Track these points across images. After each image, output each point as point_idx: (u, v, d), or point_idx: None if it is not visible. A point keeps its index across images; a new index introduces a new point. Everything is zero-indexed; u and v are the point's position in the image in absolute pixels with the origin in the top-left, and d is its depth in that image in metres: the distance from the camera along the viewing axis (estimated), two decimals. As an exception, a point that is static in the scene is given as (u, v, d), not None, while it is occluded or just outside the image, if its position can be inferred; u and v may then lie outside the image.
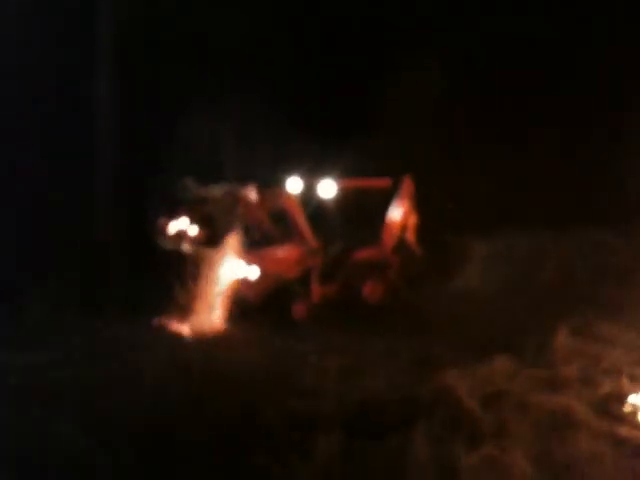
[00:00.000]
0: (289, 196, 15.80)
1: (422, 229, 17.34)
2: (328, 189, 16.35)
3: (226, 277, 14.70)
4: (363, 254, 16.62)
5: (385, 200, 17.09)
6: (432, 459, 8.40)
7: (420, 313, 14.68)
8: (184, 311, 14.31)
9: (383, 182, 17.20)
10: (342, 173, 16.45)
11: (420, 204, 17.34)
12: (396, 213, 17.08)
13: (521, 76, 19.60)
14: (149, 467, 8.46)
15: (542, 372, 11.04)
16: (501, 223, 16.78)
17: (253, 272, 15.07)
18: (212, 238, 14.66)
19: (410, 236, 17.30)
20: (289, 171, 16.11)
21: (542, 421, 9.49)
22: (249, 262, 15.00)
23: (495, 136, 19.01)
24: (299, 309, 15.42)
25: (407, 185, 17.25)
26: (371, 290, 16.31)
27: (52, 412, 9.59)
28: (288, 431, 9.11)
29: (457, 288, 16.08)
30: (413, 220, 17.37)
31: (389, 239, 17.00)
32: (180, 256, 14.56)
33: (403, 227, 17.19)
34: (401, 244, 17.13)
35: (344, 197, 16.53)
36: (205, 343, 13.19)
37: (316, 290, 15.84)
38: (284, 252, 15.67)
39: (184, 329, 14.05)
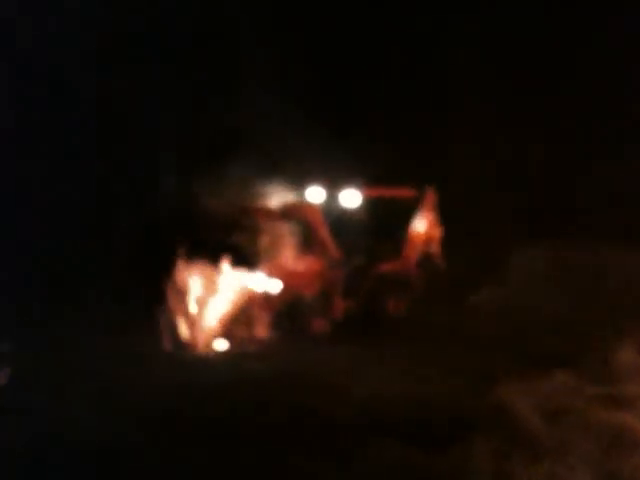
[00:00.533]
0: (312, 206, 14.92)
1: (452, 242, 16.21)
2: (352, 198, 15.36)
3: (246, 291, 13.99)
4: (387, 267, 15.59)
5: (407, 211, 15.95)
6: (492, 473, 8.04)
7: (474, 327, 13.84)
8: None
9: (406, 192, 16.04)
10: (364, 182, 15.51)
11: (449, 217, 16.19)
12: (420, 225, 15.99)
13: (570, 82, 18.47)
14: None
15: (605, 389, 10.38)
16: (563, 236, 15.99)
17: (275, 286, 14.21)
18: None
19: (435, 250, 16.10)
20: (309, 180, 15.19)
21: (605, 438, 8.89)
22: (270, 275, 14.18)
23: (551, 148, 17.72)
24: (320, 323, 14.41)
25: (430, 197, 16.07)
26: (395, 304, 15.25)
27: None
28: (341, 438, 8.77)
29: (517, 302, 14.94)
30: (437, 233, 16.18)
31: (413, 252, 15.89)
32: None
33: (427, 240, 16.04)
34: (425, 258, 16.00)
35: (366, 207, 15.57)
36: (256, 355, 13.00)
37: (338, 304, 14.80)
38: (305, 264, 14.74)
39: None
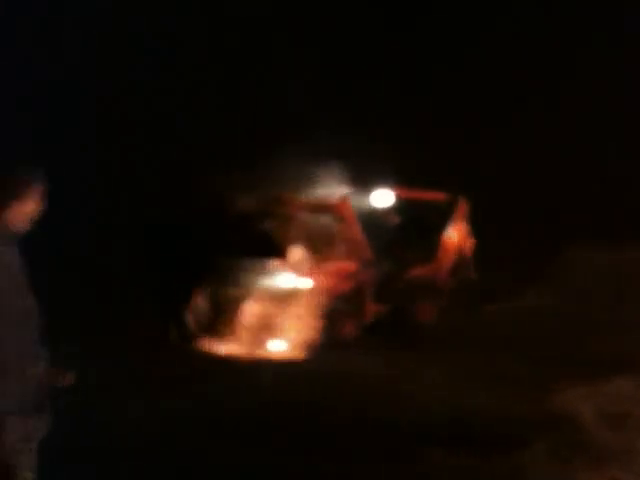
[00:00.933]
0: (345, 202, 14.36)
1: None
2: (384, 198, 15.05)
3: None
4: (418, 272, 15.24)
5: (440, 216, 15.83)
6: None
7: (526, 330, 13.69)
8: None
9: (438, 195, 15.90)
10: (397, 183, 15.25)
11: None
12: (453, 234, 15.76)
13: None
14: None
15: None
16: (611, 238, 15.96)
17: (306, 284, 13.65)
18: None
19: (466, 260, 15.96)
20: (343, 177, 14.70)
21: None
22: (300, 274, 13.66)
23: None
24: (350, 327, 13.90)
25: (462, 205, 15.96)
26: (426, 311, 14.94)
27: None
28: (394, 444, 8.46)
29: (569, 305, 14.99)
30: (469, 243, 16.03)
31: (445, 260, 15.65)
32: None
33: (459, 250, 15.85)
34: (458, 267, 15.80)
35: (398, 208, 15.29)
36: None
37: (369, 307, 14.33)
38: (335, 264, 14.21)
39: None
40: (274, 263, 13.55)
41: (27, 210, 4.44)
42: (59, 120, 18.07)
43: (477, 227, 16.11)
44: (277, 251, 13.57)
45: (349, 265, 14.27)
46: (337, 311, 13.66)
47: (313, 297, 13.49)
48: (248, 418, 9.12)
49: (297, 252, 13.50)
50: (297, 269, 13.59)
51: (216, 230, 13.87)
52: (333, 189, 14.30)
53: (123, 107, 18.27)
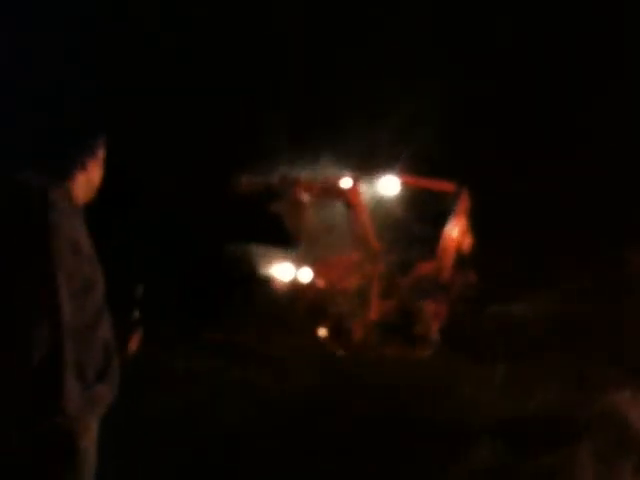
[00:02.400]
0: (355, 187, 12.90)
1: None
2: (390, 186, 13.53)
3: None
4: (425, 268, 13.81)
5: (445, 209, 14.32)
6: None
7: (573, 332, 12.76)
8: None
9: (447, 186, 14.31)
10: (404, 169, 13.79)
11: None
12: (454, 229, 14.22)
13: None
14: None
15: None
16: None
17: (305, 275, 12.46)
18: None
19: (464, 258, 14.42)
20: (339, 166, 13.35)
21: None
22: (299, 265, 12.43)
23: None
24: (356, 327, 12.54)
25: (464, 199, 14.40)
26: (436, 310, 13.48)
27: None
28: (443, 441, 8.35)
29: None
30: (468, 241, 14.48)
31: (447, 257, 14.12)
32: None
33: (458, 247, 14.34)
34: (457, 265, 14.32)
35: (404, 197, 13.84)
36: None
37: (376, 304, 12.91)
38: (340, 256, 13.01)
39: None
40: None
41: (92, 179, 4.21)
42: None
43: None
44: (287, 236, 12.36)
45: (355, 256, 12.98)
46: (342, 305, 12.53)
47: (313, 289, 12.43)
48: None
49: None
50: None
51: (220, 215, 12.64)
52: (343, 173, 13.00)
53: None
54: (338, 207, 12.95)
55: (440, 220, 14.08)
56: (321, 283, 12.48)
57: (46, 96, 18.72)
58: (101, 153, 4.28)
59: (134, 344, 4.37)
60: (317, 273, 12.43)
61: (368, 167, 13.41)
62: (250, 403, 9.51)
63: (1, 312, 3.89)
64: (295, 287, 12.34)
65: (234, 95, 19.15)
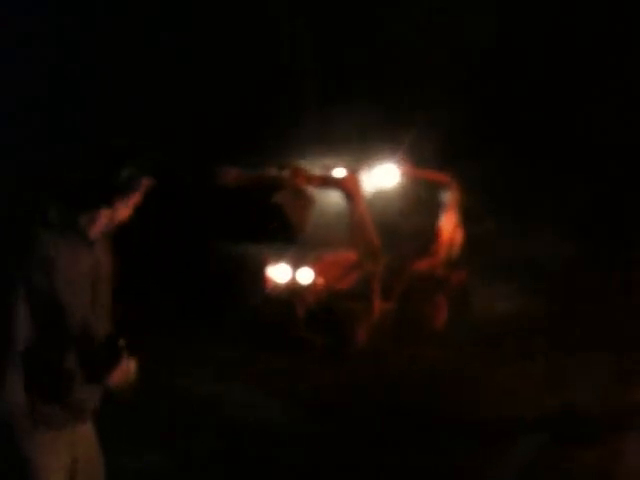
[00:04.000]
0: (353, 177, 12.37)
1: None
2: (389, 176, 13.00)
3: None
4: (423, 265, 13.29)
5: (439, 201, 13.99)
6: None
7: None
8: None
9: (442, 177, 14.01)
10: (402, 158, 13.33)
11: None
12: (446, 223, 13.86)
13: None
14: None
15: None
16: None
17: (306, 276, 11.82)
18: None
19: (455, 256, 14.07)
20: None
21: None
22: (296, 265, 11.80)
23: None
24: (358, 331, 11.88)
25: (455, 191, 14.05)
26: (438, 308, 13.08)
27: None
28: (487, 434, 8.50)
29: None
30: (459, 237, 14.13)
31: (442, 252, 13.75)
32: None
33: (450, 243, 13.94)
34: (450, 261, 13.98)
35: (401, 189, 13.30)
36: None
37: (377, 305, 12.29)
38: (338, 252, 12.37)
39: None
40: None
41: (115, 217, 4.12)
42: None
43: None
44: (288, 229, 11.81)
45: (353, 254, 12.32)
46: (344, 308, 11.91)
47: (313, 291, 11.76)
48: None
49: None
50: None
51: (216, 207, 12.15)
52: (342, 161, 12.67)
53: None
54: (335, 198, 12.50)
55: (428, 212, 13.78)
56: (321, 284, 11.88)
57: (46, 96, 18.86)
58: (136, 195, 4.12)
59: (118, 375, 4.22)
60: (316, 272, 11.85)
61: (365, 156, 13.15)
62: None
63: None
64: (294, 289, 11.75)
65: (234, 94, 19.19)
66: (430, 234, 13.66)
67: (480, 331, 12.41)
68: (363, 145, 13.81)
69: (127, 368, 4.25)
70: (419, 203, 13.61)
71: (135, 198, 4.12)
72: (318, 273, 11.83)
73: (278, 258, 11.84)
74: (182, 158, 15.54)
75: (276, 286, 11.72)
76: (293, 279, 11.74)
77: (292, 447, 8.07)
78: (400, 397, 9.75)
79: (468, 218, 14.22)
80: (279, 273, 11.78)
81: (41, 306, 3.90)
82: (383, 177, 13.03)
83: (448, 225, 13.85)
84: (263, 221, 11.89)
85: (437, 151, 15.10)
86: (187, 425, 8.54)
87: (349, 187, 12.32)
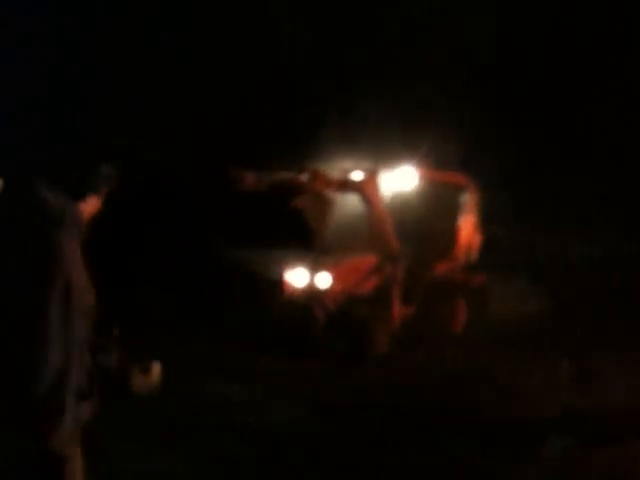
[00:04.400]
0: (371, 181, 12.06)
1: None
2: (407, 178, 12.69)
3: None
4: (442, 268, 13.08)
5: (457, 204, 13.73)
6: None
7: None
8: None
9: (460, 179, 13.78)
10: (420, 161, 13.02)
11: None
12: (466, 226, 13.62)
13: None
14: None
15: None
16: None
17: (324, 280, 11.51)
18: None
19: (473, 260, 13.89)
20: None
21: None
22: (315, 269, 11.46)
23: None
24: (378, 337, 11.59)
25: (473, 193, 13.80)
26: (457, 311, 12.87)
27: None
28: (513, 439, 8.20)
29: None
30: (478, 240, 13.95)
31: (461, 255, 13.54)
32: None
33: (469, 246, 13.77)
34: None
35: (419, 191, 12.97)
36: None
37: (397, 310, 12.04)
38: (356, 257, 12.04)
39: None
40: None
41: (97, 204, 4.30)
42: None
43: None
44: (308, 234, 11.52)
45: (372, 257, 12.00)
46: (363, 314, 11.64)
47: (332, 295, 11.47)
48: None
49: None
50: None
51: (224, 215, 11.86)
52: (360, 165, 12.31)
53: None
54: (353, 202, 12.21)
55: (445, 215, 13.52)
56: (339, 288, 11.59)
57: (46, 96, 18.71)
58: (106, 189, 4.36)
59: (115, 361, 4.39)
60: (335, 277, 11.57)
61: (383, 159, 12.83)
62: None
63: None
64: (312, 294, 11.45)
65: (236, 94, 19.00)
66: (449, 237, 13.40)
67: (503, 332, 12.37)
68: (381, 148, 13.38)
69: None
70: (437, 205, 13.25)
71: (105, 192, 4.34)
72: (337, 278, 11.57)
73: (296, 262, 11.57)
74: (182, 158, 15.45)
75: (294, 290, 11.42)
76: (311, 284, 11.46)
77: (294, 447, 7.99)
78: (420, 399, 9.68)
79: (489, 219, 13.91)
80: (297, 277, 11.48)
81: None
82: (401, 180, 12.76)
83: (467, 227, 13.61)
84: (282, 225, 11.64)
85: (455, 153, 14.70)
86: (200, 427, 8.43)
87: (367, 190, 12.04)
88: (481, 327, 12.73)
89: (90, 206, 4.26)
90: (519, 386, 10.08)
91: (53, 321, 3.84)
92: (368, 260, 12.02)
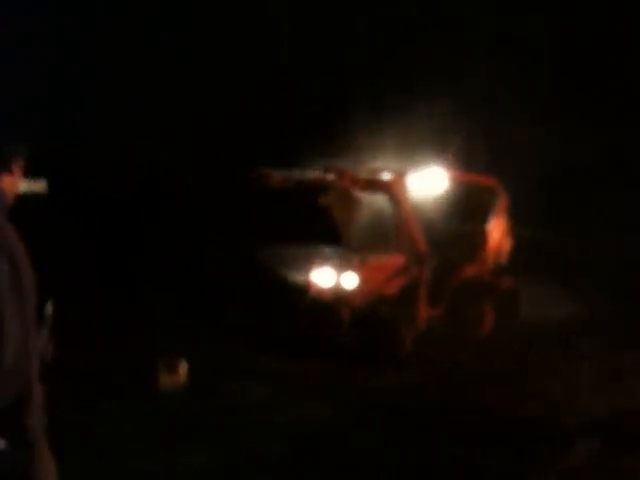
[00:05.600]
0: (399, 180, 11.62)
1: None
2: (437, 179, 12.17)
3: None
4: (470, 271, 12.62)
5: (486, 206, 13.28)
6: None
7: None
8: None
9: (489, 181, 13.33)
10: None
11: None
12: (496, 229, 13.16)
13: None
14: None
15: None
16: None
17: (350, 281, 11.10)
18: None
19: (502, 261, 13.41)
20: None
21: None
22: (342, 268, 11.06)
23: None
24: (402, 338, 11.19)
25: (503, 197, 13.37)
26: (485, 317, 12.42)
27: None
28: (539, 441, 8.09)
29: None
30: (507, 243, 13.48)
31: (490, 258, 13.10)
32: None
33: (498, 249, 13.30)
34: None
35: (448, 192, 12.48)
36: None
37: (423, 311, 11.64)
38: (382, 257, 11.64)
39: None
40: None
41: (15, 183, 4.39)
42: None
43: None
44: (336, 232, 11.21)
45: (399, 258, 11.59)
46: (388, 316, 11.30)
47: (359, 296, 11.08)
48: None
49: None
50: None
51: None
52: (388, 164, 11.89)
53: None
54: (381, 202, 11.82)
55: (474, 217, 13.12)
56: (366, 289, 11.20)
57: (46, 96, 18.46)
58: (23, 160, 4.46)
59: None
60: (362, 277, 11.17)
61: (412, 159, 12.40)
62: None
63: None
64: (338, 293, 11.08)
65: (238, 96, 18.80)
66: (478, 239, 12.98)
67: (532, 334, 12.21)
68: (410, 148, 12.96)
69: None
70: (466, 208, 12.91)
71: (23, 166, 4.45)
72: (363, 277, 11.18)
73: (323, 261, 11.21)
74: (182, 158, 15.10)
75: (320, 290, 11.05)
76: (338, 283, 11.08)
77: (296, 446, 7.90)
78: (447, 399, 9.56)
79: (521, 222, 13.57)
80: (324, 277, 11.10)
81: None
82: (430, 181, 12.25)
83: (496, 230, 13.17)
84: (309, 223, 11.40)
85: (485, 155, 14.35)
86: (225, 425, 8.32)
87: (395, 190, 11.61)
88: (510, 330, 12.52)
89: (7, 184, 4.33)
90: (544, 388, 9.92)
91: (6, 292, 3.91)
92: (395, 260, 11.63)
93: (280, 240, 11.39)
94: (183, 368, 9.03)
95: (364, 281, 11.15)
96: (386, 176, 11.75)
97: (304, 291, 11.07)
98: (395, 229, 11.74)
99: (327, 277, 11.12)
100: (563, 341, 11.98)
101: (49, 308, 4.32)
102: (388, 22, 19.74)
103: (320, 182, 11.43)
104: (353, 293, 11.10)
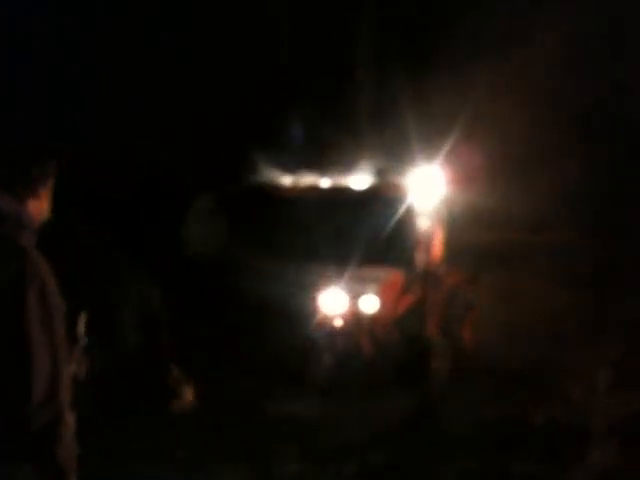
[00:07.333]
0: (401, 185, 11.61)
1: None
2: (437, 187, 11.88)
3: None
4: (455, 279, 12.17)
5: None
6: None
7: None
8: None
9: None
10: None
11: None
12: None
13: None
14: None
15: None
16: None
17: (370, 304, 10.58)
18: None
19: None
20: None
21: None
22: (360, 290, 10.50)
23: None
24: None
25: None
26: (468, 331, 11.97)
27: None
28: (557, 444, 8.41)
29: None
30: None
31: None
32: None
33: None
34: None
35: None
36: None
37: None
38: (382, 272, 11.05)
39: None
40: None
41: (43, 208, 3.89)
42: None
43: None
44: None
45: (398, 274, 11.09)
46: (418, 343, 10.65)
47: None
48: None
49: None
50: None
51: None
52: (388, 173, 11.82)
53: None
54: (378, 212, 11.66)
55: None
56: (385, 312, 10.60)
57: (46, 96, 18.48)
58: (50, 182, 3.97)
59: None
60: (380, 300, 10.55)
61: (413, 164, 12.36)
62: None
63: None
64: (358, 321, 10.43)
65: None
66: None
67: (554, 337, 12.33)
68: (410, 148, 12.97)
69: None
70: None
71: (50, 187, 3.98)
72: (381, 300, 10.60)
73: (330, 280, 10.60)
74: (182, 158, 15.27)
75: (331, 317, 10.45)
76: (354, 308, 10.53)
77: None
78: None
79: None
80: (334, 300, 10.51)
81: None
82: (432, 188, 12.10)
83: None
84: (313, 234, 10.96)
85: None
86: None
87: (393, 200, 11.52)
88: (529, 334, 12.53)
89: (33, 209, 3.87)
90: (562, 389, 10.03)
91: (35, 324, 3.61)
92: (396, 276, 11.20)
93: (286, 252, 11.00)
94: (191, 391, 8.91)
95: (383, 304, 10.55)
96: (386, 185, 11.59)
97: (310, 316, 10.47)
98: (397, 241, 11.23)
99: (339, 300, 10.50)
100: (583, 344, 11.78)
101: (81, 326, 4.06)
102: (389, 22, 19.69)
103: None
104: (374, 318, 10.51)
